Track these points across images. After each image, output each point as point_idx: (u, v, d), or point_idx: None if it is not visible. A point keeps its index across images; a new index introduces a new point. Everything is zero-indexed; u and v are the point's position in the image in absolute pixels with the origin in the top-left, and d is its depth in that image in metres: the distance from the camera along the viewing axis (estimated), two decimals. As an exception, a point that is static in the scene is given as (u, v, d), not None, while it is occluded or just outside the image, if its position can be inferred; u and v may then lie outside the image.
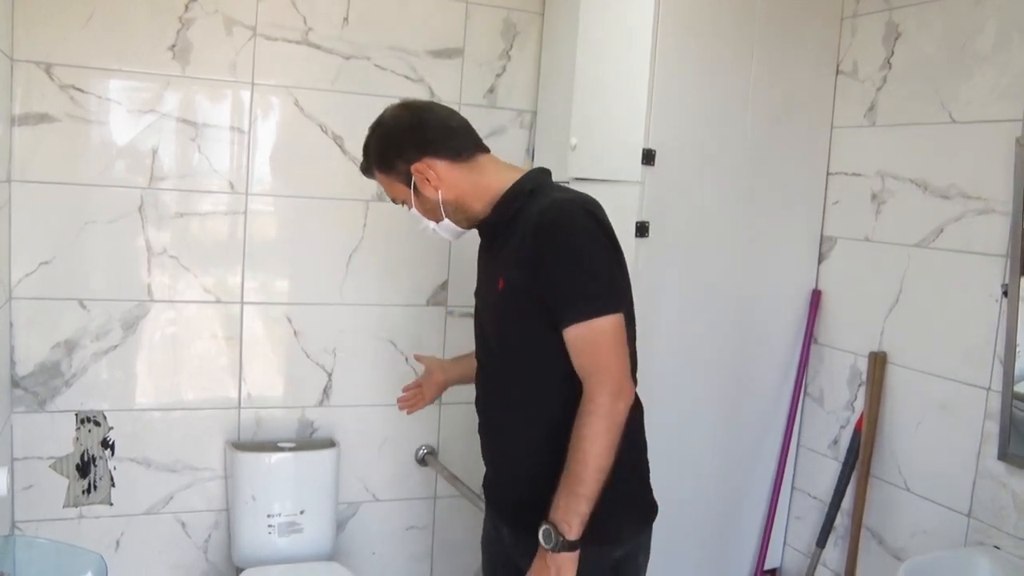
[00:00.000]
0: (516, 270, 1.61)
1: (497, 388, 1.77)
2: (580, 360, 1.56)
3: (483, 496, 1.88)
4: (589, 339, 1.55)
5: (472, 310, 1.86)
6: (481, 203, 1.71)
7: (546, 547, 1.52)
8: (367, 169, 1.80)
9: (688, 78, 2.29)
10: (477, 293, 1.83)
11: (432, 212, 1.75)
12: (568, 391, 1.59)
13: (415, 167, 1.69)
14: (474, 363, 1.91)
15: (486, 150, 1.76)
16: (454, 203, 1.72)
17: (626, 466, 1.59)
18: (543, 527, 1.53)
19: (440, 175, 1.69)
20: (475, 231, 1.78)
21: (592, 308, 1.55)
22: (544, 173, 1.74)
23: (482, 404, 1.83)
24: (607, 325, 1.55)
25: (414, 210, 1.76)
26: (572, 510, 1.51)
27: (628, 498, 1.67)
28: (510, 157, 2.77)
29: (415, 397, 2.20)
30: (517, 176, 1.71)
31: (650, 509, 1.73)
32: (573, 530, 1.51)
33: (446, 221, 1.75)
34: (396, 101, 2.60)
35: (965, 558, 1.97)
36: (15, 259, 2.34)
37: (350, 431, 2.72)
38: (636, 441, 1.70)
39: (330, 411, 2.70)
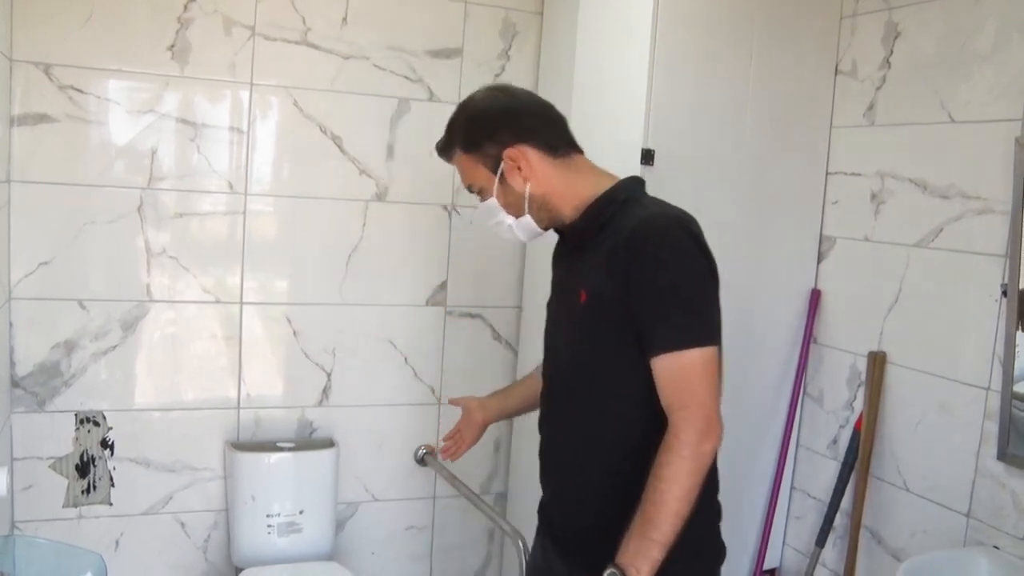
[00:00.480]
0: (603, 284, 1.49)
1: (569, 409, 1.62)
2: (667, 393, 1.44)
3: (539, 523, 1.75)
4: (678, 371, 1.43)
5: (469, 311, 1.83)
6: (569, 206, 1.59)
7: None
8: (447, 148, 1.65)
9: (687, 78, 2.29)
10: (550, 305, 1.72)
11: (514, 206, 1.62)
12: (650, 419, 1.47)
13: (507, 152, 1.57)
14: (518, 394, 1.86)
15: (580, 150, 1.64)
16: (540, 199, 1.59)
17: (700, 507, 1.45)
18: (609, 570, 1.40)
19: (532, 166, 1.57)
20: (549, 234, 1.69)
21: (684, 337, 1.43)
22: (638, 183, 1.62)
23: (548, 425, 1.69)
24: (699, 358, 1.42)
25: (491, 201, 1.62)
26: (643, 555, 1.39)
27: (699, 542, 1.53)
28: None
29: (456, 444, 2.05)
30: (610, 183, 1.59)
31: (720, 553, 1.61)
32: (641, 575, 1.39)
33: (527, 218, 1.62)
34: (394, 101, 2.64)
35: (964, 558, 1.97)
36: (14, 259, 2.34)
37: (349, 431, 2.72)
38: (711, 480, 1.53)
39: (329, 411, 2.70)
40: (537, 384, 1.81)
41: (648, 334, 1.45)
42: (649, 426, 1.49)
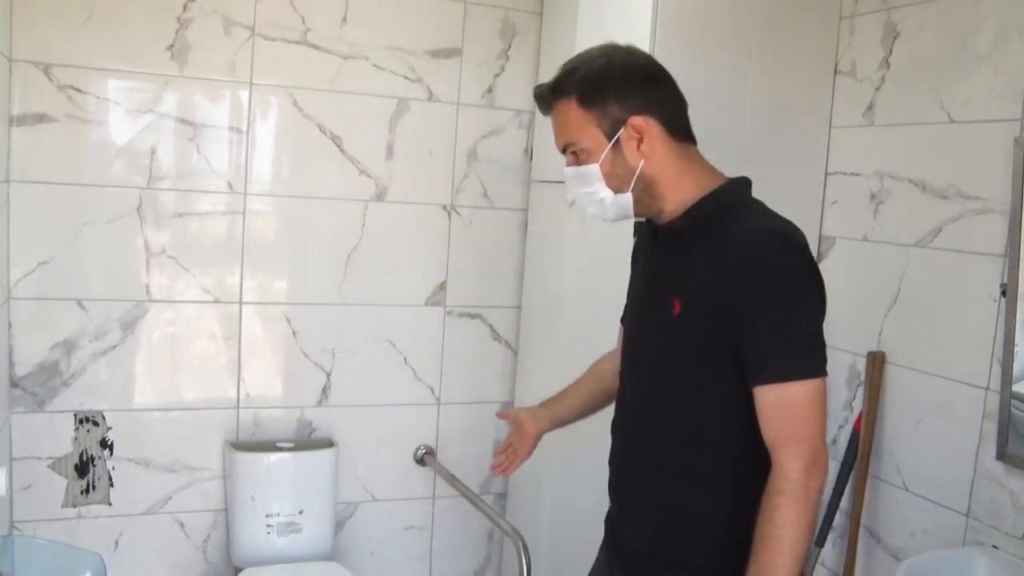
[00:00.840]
0: (703, 298, 1.38)
1: (651, 423, 1.50)
2: (772, 426, 1.34)
3: (606, 533, 1.65)
4: (788, 403, 1.32)
5: (468, 311, 1.79)
6: (674, 198, 1.45)
7: None
8: (555, 93, 1.46)
9: (686, 78, 2.26)
10: (632, 302, 1.60)
11: (618, 180, 1.45)
12: (741, 449, 1.39)
13: (634, 121, 1.41)
14: (572, 401, 1.78)
15: (695, 141, 1.51)
16: (648, 181, 1.44)
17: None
18: None
19: (653, 144, 1.42)
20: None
21: (796, 368, 1.33)
22: (746, 184, 1.50)
23: (625, 433, 1.57)
24: (810, 390, 1.33)
25: (593, 168, 1.45)
26: None
27: None
28: (508, 157, 2.79)
29: (508, 459, 1.88)
30: (718, 182, 1.47)
31: None
32: None
33: (627, 196, 1.45)
34: (393, 101, 2.64)
35: (963, 558, 1.97)
36: (14, 259, 2.34)
37: (349, 431, 2.72)
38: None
39: (329, 411, 2.70)
40: (595, 385, 1.76)
41: (756, 361, 1.34)
42: (739, 457, 1.40)
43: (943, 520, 2.15)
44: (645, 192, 1.46)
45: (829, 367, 2.34)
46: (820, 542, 2.47)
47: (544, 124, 2.72)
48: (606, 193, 1.46)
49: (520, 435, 1.85)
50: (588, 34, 2.45)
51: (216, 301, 2.54)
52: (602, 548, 1.67)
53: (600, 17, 2.41)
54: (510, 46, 2.75)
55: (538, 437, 1.85)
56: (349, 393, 2.71)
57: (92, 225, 2.39)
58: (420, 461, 2.83)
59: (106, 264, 2.42)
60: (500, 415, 2.00)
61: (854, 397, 2.43)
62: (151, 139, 2.42)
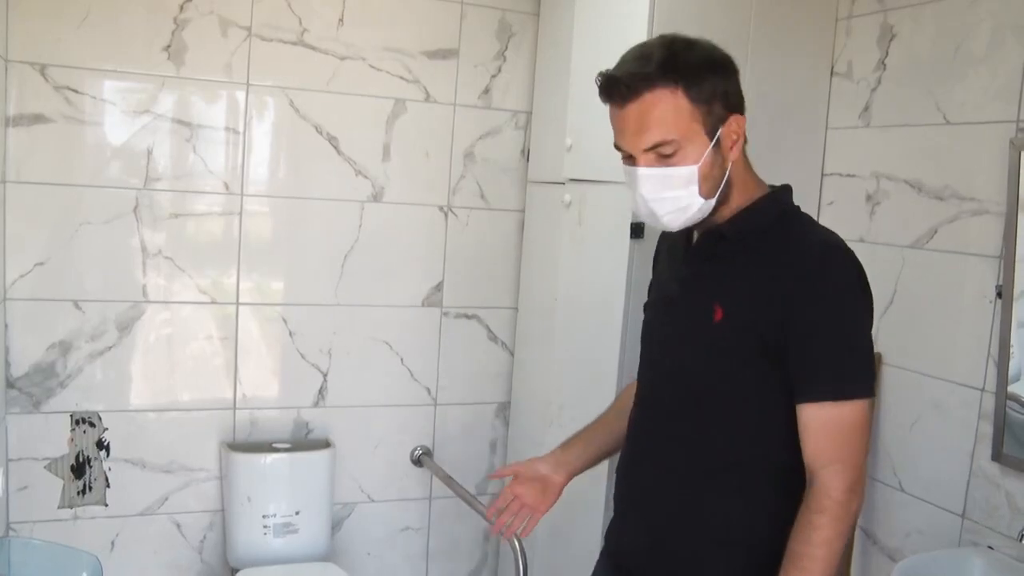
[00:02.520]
0: (751, 307, 1.33)
1: (685, 430, 1.43)
2: (817, 444, 1.30)
3: (605, 544, 1.58)
4: (836, 423, 1.29)
5: (465, 311, 1.73)
6: (734, 203, 1.39)
7: None
8: (657, 77, 1.29)
9: (683, 79, 2.29)
10: (656, 310, 1.52)
11: (713, 183, 1.34)
12: (776, 467, 1.36)
13: (737, 119, 1.34)
14: (601, 440, 1.64)
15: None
16: (728, 186, 1.36)
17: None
18: None
19: (741, 146, 1.36)
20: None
21: (847, 388, 1.30)
22: (789, 193, 1.44)
23: (647, 442, 1.50)
24: (858, 410, 1.30)
25: (692, 169, 1.32)
26: None
27: None
28: (506, 158, 2.79)
29: (520, 516, 1.64)
30: (764, 189, 1.41)
31: None
32: None
33: (712, 202, 1.36)
34: (390, 102, 2.64)
35: (959, 558, 1.97)
36: (10, 260, 2.33)
37: (345, 432, 2.72)
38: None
39: (325, 412, 2.70)
40: (618, 419, 1.63)
41: (807, 377, 1.30)
42: (772, 472, 1.37)
43: (939, 521, 2.15)
44: (720, 197, 1.37)
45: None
46: (816, 543, 2.47)
47: (541, 125, 2.73)
48: (695, 199, 1.34)
49: (543, 486, 1.62)
50: (585, 35, 2.45)
51: (212, 302, 2.54)
52: (603, 559, 1.61)
53: (596, 18, 2.41)
54: (507, 47, 2.76)
55: (565, 486, 1.65)
56: (346, 394, 2.71)
57: (88, 226, 2.39)
58: (417, 462, 2.83)
59: (102, 265, 2.42)
60: (499, 475, 1.75)
61: (850, 398, 2.43)
62: (147, 140, 2.42)
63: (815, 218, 1.50)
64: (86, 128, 2.36)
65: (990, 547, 1.97)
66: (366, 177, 2.64)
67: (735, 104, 1.35)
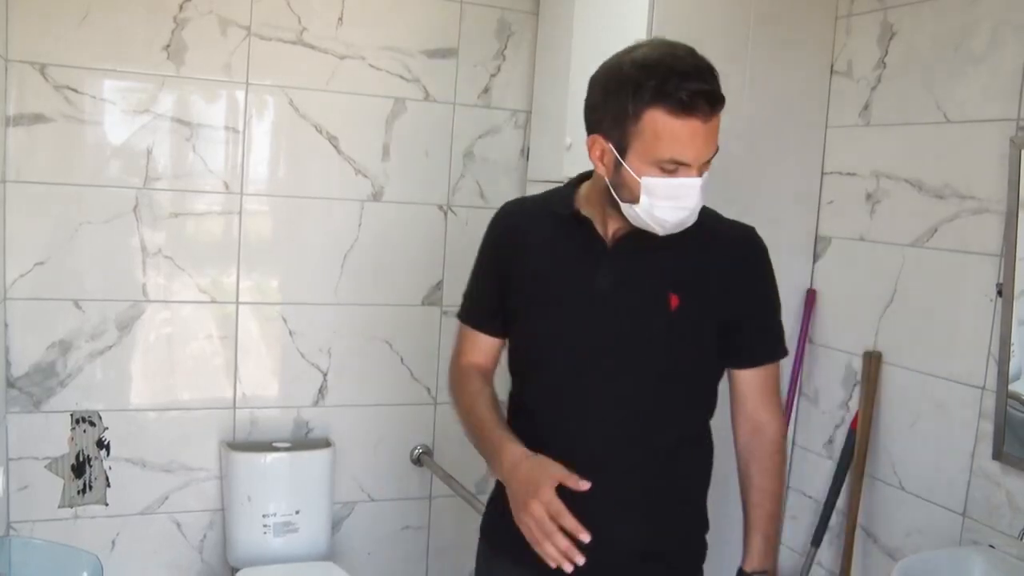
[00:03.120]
0: (704, 289, 1.43)
1: (644, 419, 1.46)
2: (765, 399, 1.51)
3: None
4: (773, 379, 1.53)
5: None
6: None
7: None
8: (721, 99, 1.35)
9: (683, 78, 2.29)
10: (585, 311, 1.47)
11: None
12: (706, 423, 1.56)
13: None
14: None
15: None
16: None
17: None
18: None
19: None
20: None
21: (783, 348, 1.54)
22: None
23: (597, 439, 1.46)
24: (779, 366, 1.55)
25: (704, 177, 1.39)
26: (774, 550, 1.50)
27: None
28: (504, 158, 2.79)
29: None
30: None
31: None
32: (777, 572, 1.53)
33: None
34: (390, 101, 2.64)
35: (960, 557, 1.97)
36: (10, 259, 2.34)
37: (345, 431, 2.72)
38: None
39: (325, 411, 2.70)
40: (499, 407, 1.57)
41: (760, 343, 1.51)
42: (708, 436, 1.57)
43: (939, 520, 2.15)
44: None
45: (826, 366, 2.37)
46: (816, 542, 2.47)
47: (541, 124, 2.73)
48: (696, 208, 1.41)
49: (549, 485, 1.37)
50: (584, 34, 2.45)
51: (212, 301, 2.54)
52: (506, 564, 1.53)
53: (596, 17, 2.41)
54: (506, 46, 2.75)
55: None
56: (346, 393, 2.71)
57: (88, 225, 2.39)
58: (417, 461, 2.83)
59: (102, 264, 2.42)
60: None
61: (850, 397, 2.43)
62: (147, 139, 2.42)
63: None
64: (86, 127, 2.36)
65: (991, 546, 1.97)
66: (366, 176, 2.64)
67: None
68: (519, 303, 1.55)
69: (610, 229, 1.48)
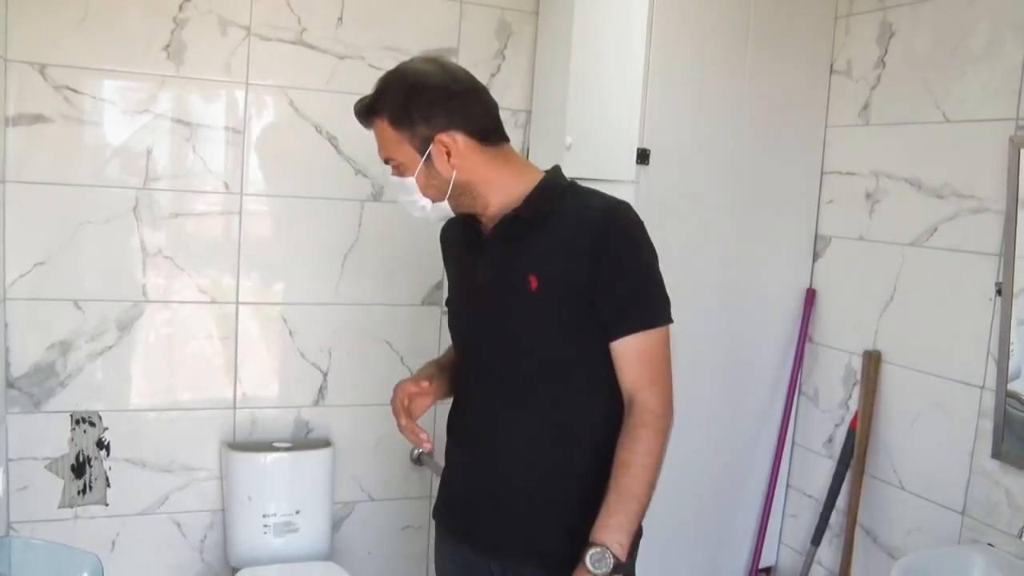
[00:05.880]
0: (561, 269, 1.48)
1: (520, 397, 1.56)
2: (635, 371, 1.49)
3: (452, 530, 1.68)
4: (648, 349, 1.49)
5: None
6: (499, 194, 1.55)
7: (596, 572, 1.41)
8: (369, 113, 1.53)
9: (682, 77, 2.29)
10: (462, 299, 1.65)
11: (434, 189, 1.54)
12: (606, 403, 1.52)
13: (440, 138, 1.49)
14: (444, 385, 1.71)
15: (508, 140, 1.59)
16: (464, 186, 1.53)
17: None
18: (593, 550, 1.42)
19: (462, 154, 1.50)
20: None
21: (656, 317, 1.50)
22: (561, 172, 1.63)
23: (486, 425, 1.60)
24: (664, 335, 1.50)
25: (410, 181, 1.54)
26: (625, 529, 1.43)
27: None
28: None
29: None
30: (539, 173, 1.58)
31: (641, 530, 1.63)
32: (625, 550, 1.43)
33: (445, 203, 1.56)
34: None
35: (959, 556, 1.97)
36: (9, 260, 2.33)
37: (345, 431, 2.72)
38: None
39: (325, 411, 2.70)
40: (453, 373, 1.72)
41: (620, 314, 1.48)
42: (606, 411, 1.52)
43: (939, 518, 2.16)
44: (464, 195, 1.55)
45: (825, 365, 2.37)
46: (816, 540, 2.47)
47: (541, 123, 2.74)
48: (425, 202, 1.56)
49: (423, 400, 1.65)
50: (583, 34, 2.46)
51: (212, 301, 2.54)
52: (448, 544, 1.71)
53: (596, 17, 2.41)
54: (506, 46, 2.75)
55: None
56: (346, 393, 2.71)
57: (88, 225, 2.39)
58: (416, 461, 2.83)
59: (102, 265, 2.42)
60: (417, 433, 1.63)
61: (850, 396, 2.44)
62: (147, 139, 2.42)
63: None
64: (85, 128, 2.36)
65: (990, 544, 1.97)
66: (365, 176, 2.64)
67: (442, 125, 1.50)
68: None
69: (488, 224, 1.60)
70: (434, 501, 1.82)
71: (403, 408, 1.61)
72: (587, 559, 1.42)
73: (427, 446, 1.59)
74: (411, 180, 1.54)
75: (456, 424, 1.70)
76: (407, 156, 1.53)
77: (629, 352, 1.49)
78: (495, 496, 1.60)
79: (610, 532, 1.43)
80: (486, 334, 1.60)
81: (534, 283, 1.49)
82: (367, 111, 1.54)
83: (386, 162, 1.57)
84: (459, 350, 1.71)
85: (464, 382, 1.68)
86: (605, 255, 1.46)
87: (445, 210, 1.58)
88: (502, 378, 1.58)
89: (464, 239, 1.65)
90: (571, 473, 1.55)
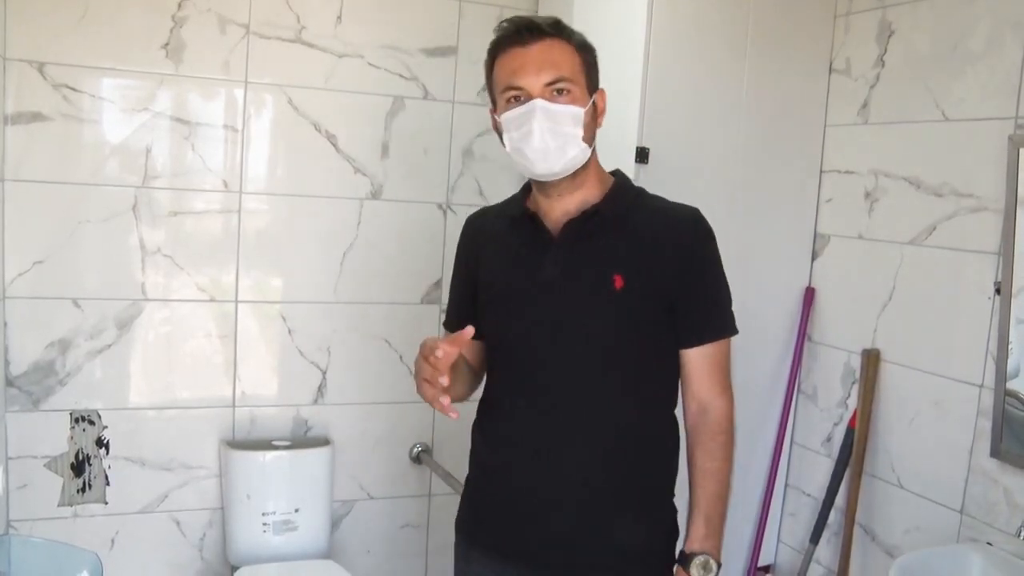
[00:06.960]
0: (649, 268, 1.48)
1: (589, 405, 1.51)
2: (711, 377, 1.53)
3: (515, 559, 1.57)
4: (723, 356, 1.54)
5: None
6: (595, 182, 1.56)
7: None
8: (555, 29, 1.49)
9: (682, 76, 2.29)
10: (535, 298, 1.54)
11: (588, 135, 1.50)
12: (672, 404, 1.57)
13: (603, 92, 1.55)
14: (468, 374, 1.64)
15: None
16: (592, 156, 1.55)
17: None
18: (699, 558, 1.46)
19: (600, 122, 1.55)
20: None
21: (732, 325, 1.56)
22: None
23: (548, 431, 1.54)
24: (729, 346, 1.56)
25: (576, 110, 1.47)
26: (720, 534, 1.50)
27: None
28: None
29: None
30: (609, 175, 1.62)
31: None
32: (720, 553, 1.49)
33: (590, 150, 1.52)
34: (389, 99, 2.64)
35: (958, 555, 1.97)
36: (8, 258, 2.33)
37: (344, 429, 2.72)
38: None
39: (324, 409, 2.70)
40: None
41: (699, 321, 1.52)
42: (671, 413, 1.57)
43: (937, 517, 2.16)
44: (579, 169, 1.52)
45: (824, 364, 2.38)
46: (815, 539, 2.48)
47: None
48: (580, 142, 1.49)
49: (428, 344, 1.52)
50: (583, 33, 2.45)
51: (212, 300, 2.54)
52: (489, 562, 1.61)
53: (595, 15, 2.41)
54: (505, 44, 2.75)
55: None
56: (345, 391, 2.71)
57: (87, 224, 2.39)
58: (416, 459, 2.83)
59: (101, 263, 2.42)
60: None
61: (849, 395, 2.44)
62: (146, 138, 2.42)
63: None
64: (84, 126, 2.36)
65: (989, 543, 1.97)
66: (365, 175, 2.64)
67: (598, 85, 1.54)
68: (482, 304, 1.63)
69: (555, 220, 1.56)
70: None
71: (431, 361, 1.49)
72: (693, 569, 1.47)
73: (453, 415, 1.48)
74: (580, 111, 1.48)
75: (504, 433, 1.61)
76: (581, 87, 1.50)
77: (705, 360, 1.52)
78: (567, 509, 1.53)
79: (709, 540, 1.48)
80: (553, 333, 1.53)
81: (619, 282, 1.48)
82: (555, 26, 1.50)
83: (552, 82, 1.47)
84: (506, 352, 1.61)
85: (515, 385, 1.59)
86: (694, 261, 1.50)
87: (577, 163, 1.50)
88: (569, 378, 1.52)
89: (517, 234, 1.59)
90: (646, 477, 1.57)
